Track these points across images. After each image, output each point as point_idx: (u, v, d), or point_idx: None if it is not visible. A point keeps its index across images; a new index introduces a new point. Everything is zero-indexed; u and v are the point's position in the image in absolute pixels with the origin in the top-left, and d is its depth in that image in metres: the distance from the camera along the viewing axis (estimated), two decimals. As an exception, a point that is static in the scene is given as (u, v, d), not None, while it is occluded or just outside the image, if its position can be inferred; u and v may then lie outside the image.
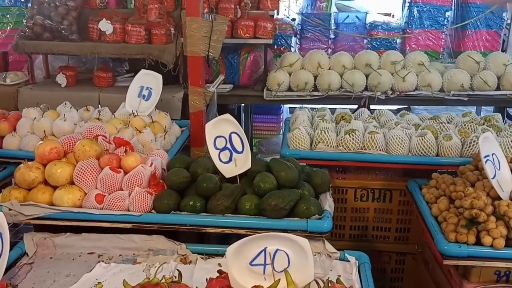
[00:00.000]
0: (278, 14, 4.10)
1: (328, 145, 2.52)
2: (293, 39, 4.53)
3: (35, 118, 2.67)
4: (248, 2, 3.78)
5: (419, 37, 4.46)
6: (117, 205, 2.06)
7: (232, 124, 2.23)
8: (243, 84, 3.93)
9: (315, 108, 3.12)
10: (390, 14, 5.18)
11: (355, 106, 3.73)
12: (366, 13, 4.55)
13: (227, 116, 2.25)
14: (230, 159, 2.21)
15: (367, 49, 4.30)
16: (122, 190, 2.12)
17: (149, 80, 2.86)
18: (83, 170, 2.10)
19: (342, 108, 3.07)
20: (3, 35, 4.20)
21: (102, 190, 2.11)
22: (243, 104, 4.96)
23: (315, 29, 4.41)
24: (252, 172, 2.16)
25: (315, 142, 2.56)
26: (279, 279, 1.54)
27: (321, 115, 2.88)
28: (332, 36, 4.49)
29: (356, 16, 4.43)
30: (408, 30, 4.48)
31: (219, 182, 2.11)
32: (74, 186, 2.11)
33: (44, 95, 3.62)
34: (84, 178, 2.10)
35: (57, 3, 3.63)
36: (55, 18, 3.59)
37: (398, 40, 4.53)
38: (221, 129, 2.23)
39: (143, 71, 2.89)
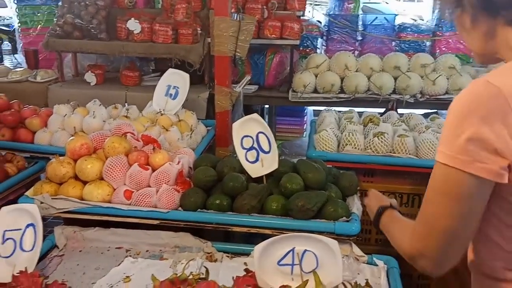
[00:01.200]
0: (304, 15, 4.08)
1: (355, 148, 2.49)
2: (319, 41, 4.50)
3: (66, 114, 2.72)
4: (275, 2, 3.78)
5: (450, 40, 4.37)
6: (144, 201, 2.08)
7: (260, 124, 2.23)
8: (268, 85, 3.93)
9: (341, 111, 3.10)
10: (419, 16, 5.11)
11: (382, 109, 3.70)
12: (395, 15, 4.49)
13: (255, 116, 2.26)
14: (257, 159, 2.21)
15: (396, 52, 4.25)
16: (149, 187, 2.14)
17: (176, 79, 2.89)
18: (112, 166, 2.13)
19: (370, 111, 3.04)
20: (33, 33, 4.31)
21: (131, 186, 2.13)
22: (266, 106, 4.96)
23: (342, 31, 4.37)
24: (278, 173, 2.16)
25: (343, 144, 2.54)
26: (307, 280, 1.53)
27: (348, 117, 2.86)
28: (360, 38, 4.44)
29: (385, 17, 4.37)
30: (438, 33, 4.40)
31: (245, 181, 2.11)
32: (104, 182, 2.14)
33: (73, 93, 3.70)
34: (113, 174, 2.13)
35: (87, 2, 3.70)
36: (85, 17, 3.67)
37: (428, 43, 4.45)
38: (248, 129, 2.23)
39: (170, 70, 2.92)
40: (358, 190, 2.18)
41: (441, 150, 1.02)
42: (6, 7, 16.31)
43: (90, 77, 3.77)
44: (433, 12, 4.55)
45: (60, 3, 3.81)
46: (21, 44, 4.41)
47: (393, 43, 4.47)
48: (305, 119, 5.32)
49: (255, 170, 2.19)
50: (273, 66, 3.83)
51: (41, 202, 2.10)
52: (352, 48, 4.45)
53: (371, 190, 1.64)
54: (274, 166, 2.17)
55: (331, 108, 3.12)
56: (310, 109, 5.52)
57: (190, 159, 2.31)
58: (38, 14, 4.21)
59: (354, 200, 2.09)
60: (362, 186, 2.53)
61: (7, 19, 16.14)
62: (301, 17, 4.00)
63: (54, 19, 3.92)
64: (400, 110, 3.57)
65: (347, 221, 1.92)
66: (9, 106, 2.82)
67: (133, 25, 3.55)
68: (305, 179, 2.06)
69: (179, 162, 2.22)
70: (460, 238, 1.04)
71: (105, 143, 2.22)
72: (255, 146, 2.22)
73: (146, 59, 4.23)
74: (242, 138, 2.24)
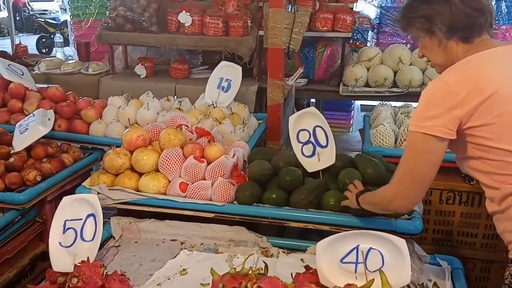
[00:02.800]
0: (355, 7, 3.96)
1: (415, 143, 2.38)
2: (370, 34, 4.37)
3: (120, 106, 2.75)
4: (328, -6, 3.68)
5: (507, 34, 4.14)
6: (200, 194, 2.07)
7: (317, 117, 2.17)
8: (318, 78, 3.84)
9: (397, 105, 2.98)
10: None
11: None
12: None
13: (312, 109, 2.20)
14: (313, 153, 2.15)
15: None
16: (204, 179, 2.13)
17: (228, 71, 2.86)
18: (168, 158, 2.12)
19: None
20: (85, 26, 4.39)
21: (186, 178, 2.12)
22: (313, 100, 4.87)
23: (394, 23, 4.22)
24: (336, 168, 2.09)
25: (400, 140, 2.43)
26: (373, 279, 1.46)
27: (405, 111, 2.74)
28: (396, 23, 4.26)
29: (439, 9, 4.17)
30: (494, 26, 4.17)
31: (302, 176, 2.06)
32: (159, 174, 2.14)
33: (124, 85, 3.75)
34: (168, 166, 2.12)
35: (139, -5, 3.73)
36: (136, 10, 3.70)
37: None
38: (305, 122, 2.18)
39: (223, 62, 2.89)
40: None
41: (412, 123, 1.46)
42: (53, 0, 16.66)
43: (140, 70, 3.81)
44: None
45: (112, -4, 3.86)
46: (73, 36, 4.51)
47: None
48: (352, 114, 5.20)
49: (312, 165, 2.13)
50: (323, 59, 3.74)
51: (98, 193, 2.12)
52: (405, 41, 4.29)
53: (357, 180, 1.87)
54: (331, 160, 2.10)
55: (386, 102, 3.00)
56: (358, 104, 5.39)
57: (244, 152, 2.27)
58: (90, 7, 4.29)
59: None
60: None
61: (54, 13, 16.57)
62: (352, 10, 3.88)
63: (106, 12, 3.97)
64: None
65: (409, 219, 1.83)
66: (65, 97, 2.88)
67: (184, 17, 3.55)
68: (364, 175, 1.98)
69: (234, 155, 2.19)
70: (426, 179, 1.49)
71: (160, 135, 2.22)
72: (311, 140, 2.16)
73: (195, 52, 4.24)
74: (298, 132, 2.18)
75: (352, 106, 5.17)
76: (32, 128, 2.34)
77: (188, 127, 2.38)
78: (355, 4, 3.90)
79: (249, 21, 3.62)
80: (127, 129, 2.27)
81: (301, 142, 2.17)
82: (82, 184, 2.20)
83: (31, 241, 2.19)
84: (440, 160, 1.47)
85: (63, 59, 4.28)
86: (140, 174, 2.16)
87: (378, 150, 2.40)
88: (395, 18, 1.69)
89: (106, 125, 2.70)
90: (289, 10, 2.83)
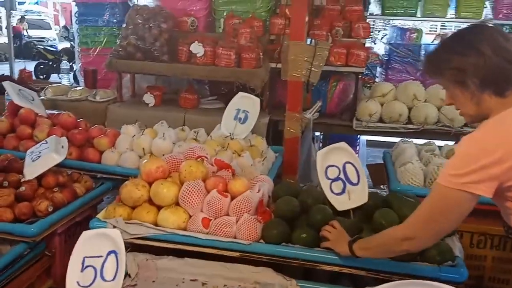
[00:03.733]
0: (365, 42, 3.96)
1: (444, 183, 2.29)
2: (378, 69, 4.37)
3: (134, 135, 2.64)
4: (340, 29, 3.68)
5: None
6: (223, 231, 1.94)
7: (347, 153, 2.09)
8: (329, 112, 3.79)
9: (419, 143, 2.91)
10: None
11: (451, 142, 3.49)
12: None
13: (342, 144, 2.12)
14: (343, 191, 2.06)
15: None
16: (228, 215, 2.01)
17: (246, 103, 2.79)
18: (189, 191, 2.01)
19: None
20: (93, 53, 4.33)
21: (208, 214, 2.00)
22: (317, 133, 4.81)
23: (403, 60, 4.23)
24: (368, 207, 1.99)
25: (430, 179, 2.35)
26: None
27: (429, 149, 2.68)
28: (421, 68, 4.27)
29: (449, 48, 4.20)
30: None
31: (333, 215, 1.95)
32: (179, 208, 2.02)
33: (131, 113, 3.65)
34: (190, 199, 2.00)
35: (151, 25, 3.69)
36: (148, 39, 3.65)
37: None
38: (334, 158, 2.10)
39: (240, 93, 2.82)
40: (456, 230, 1.98)
41: (444, 177, 1.41)
42: (50, 29, 16.96)
43: (148, 98, 3.72)
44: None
45: (124, 25, 3.81)
46: (80, 63, 4.44)
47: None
48: (357, 149, 5.14)
49: (342, 203, 2.03)
50: (336, 94, 3.70)
51: (114, 226, 1.98)
52: (414, 78, 4.29)
53: (335, 221, 1.85)
54: (364, 199, 2.01)
55: (407, 139, 2.93)
56: (363, 139, 5.34)
57: (270, 187, 2.17)
58: (99, 36, 4.24)
59: (453, 241, 1.89)
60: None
61: (51, 40, 16.70)
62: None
63: (117, 41, 3.92)
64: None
65: (453, 265, 1.72)
66: (77, 124, 2.77)
67: (197, 48, 3.51)
68: (401, 216, 1.88)
69: (259, 190, 2.08)
70: (444, 232, 1.53)
71: (181, 167, 2.11)
72: (341, 177, 2.07)
73: (202, 82, 4.18)
74: (327, 168, 2.09)
75: (358, 140, 5.12)
76: (45, 156, 2.22)
77: (207, 159, 2.28)
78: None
79: (261, 53, 3.58)
80: (145, 160, 2.16)
81: (330, 179, 2.08)
82: (97, 216, 2.06)
83: (39, 276, 2.03)
84: (464, 217, 1.43)
85: (70, 86, 4.18)
86: (159, 208, 2.04)
87: (407, 189, 2.31)
88: (422, 63, 1.64)
89: (120, 154, 2.59)
90: (309, 43, 2.78)
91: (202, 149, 2.32)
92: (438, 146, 2.82)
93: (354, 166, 2.06)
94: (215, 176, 2.11)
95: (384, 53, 4.41)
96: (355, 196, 2.03)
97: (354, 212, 2.01)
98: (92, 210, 2.41)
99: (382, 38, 4.74)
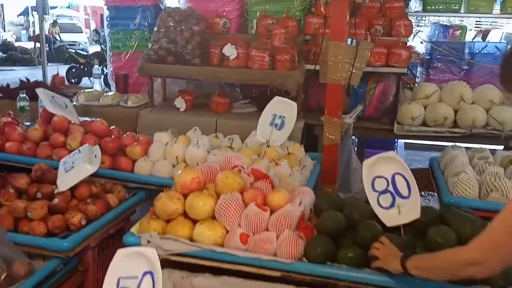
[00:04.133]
0: (407, 41, 3.75)
1: (503, 195, 2.10)
2: (419, 69, 4.14)
3: (168, 143, 2.55)
4: (380, 28, 3.49)
5: None
6: (263, 247, 1.82)
7: (397, 163, 1.93)
8: (368, 115, 3.60)
9: (469, 148, 2.71)
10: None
11: (500, 147, 3.26)
12: (507, 43, 4.06)
13: (391, 154, 1.96)
14: (392, 205, 1.89)
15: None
16: (267, 230, 1.88)
17: (282, 107, 2.65)
18: (226, 205, 1.89)
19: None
20: (124, 58, 4.27)
21: (246, 229, 1.88)
22: (353, 136, 4.62)
23: (446, 59, 4.00)
24: (421, 223, 1.82)
25: (486, 190, 2.15)
26: None
27: (483, 156, 2.47)
28: (465, 67, 4.03)
29: (496, 46, 3.95)
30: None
31: (382, 232, 1.79)
32: (216, 222, 1.90)
33: (163, 118, 3.57)
34: (227, 213, 1.88)
35: (182, 28, 3.60)
36: (180, 42, 3.56)
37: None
38: (381, 169, 1.94)
39: (276, 98, 2.69)
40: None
41: None
42: (82, 32, 17.33)
43: (180, 103, 3.64)
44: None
45: (155, 28, 3.73)
46: (111, 68, 4.40)
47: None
48: (395, 153, 4.92)
49: (391, 218, 1.87)
50: (375, 96, 3.51)
51: (148, 241, 1.89)
52: (457, 78, 4.04)
53: (384, 237, 1.70)
54: (416, 214, 1.84)
55: (455, 143, 2.73)
56: (401, 142, 5.11)
57: (311, 200, 2.02)
58: (131, 39, 4.17)
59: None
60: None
61: (82, 44, 17.05)
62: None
63: (148, 44, 3.84)
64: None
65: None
66: (109, 132, 2.69)
67: (229, 50, 3.39)
68: (459, 234, 1.71)
69: (300, 203, 1.94)
70: None
71: (217, 178, 2.00)
72: (390, 190, 1.91)
73: (233, 86, 4.07)
74: (374, 179, 1.93)
75: (396, 144, 4.90)
76: (78, 166, 2.14)
77: (244, 169, 2.16)
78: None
79: (296, 55, 3.43)
80: (179, 170, 2.06)
81: (377, 191, 1.92)
82: (131, 230, 1.97)
83: (72, 292, 1.96)
84: None
85: (102, 91, 4.14)
86: (194, 221, 1.93)
87: (460, 201, 2.13)
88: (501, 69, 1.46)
89: (152, 163, 2.49)
90: (350, 43, 2.62)
91: (238, 158, 2.20)
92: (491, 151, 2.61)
93: (404, 177, 1.89)
94: (253, 188, 1.98)
95: (425, 51, 4.18)
96: (406, 211, 1.86)
97: (404, 229, 1.85)
98: (125, 222, 2.32)
99: (414, 36, 4.50)
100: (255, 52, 3.39)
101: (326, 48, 2.59)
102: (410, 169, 3.34)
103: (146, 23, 4.16)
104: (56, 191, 2.12)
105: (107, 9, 4.34)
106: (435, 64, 4.06)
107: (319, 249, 1.77)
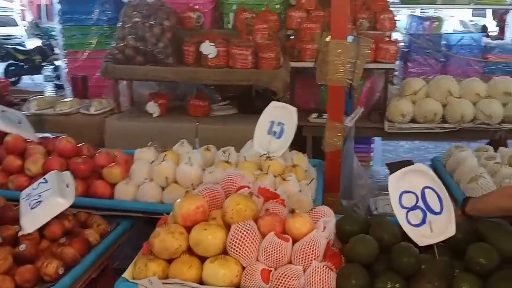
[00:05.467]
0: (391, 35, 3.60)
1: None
2: (397, 63, 4.02)
3: (153, 161, 2.21)
4: (366, 22, 3.31)
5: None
6: (289, 284, 1.56)
7: (426, 176, 1.75)
8: (356, 113, 3.42)
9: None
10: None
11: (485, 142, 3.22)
12: (482, 34, 4.03)
13: (420, 166, 1.77)
14: (423, 221, 1.71)
15: (483, 74, 3.82)
16: (291, 263, 1.63)
17: (280, 113, 2.39)
18: (241, 236, 1.61)
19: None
20: (82, 57, 3.82)
21: (266, 263, 1.62)
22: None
23: (424, 52, 3.90)
24: (456, 241, 1.65)
25: (506, 195, 2.01)
26: None
27: (489, 156, 2.35)
28: (443, 59, 3.96)
29: (472, 37, 3.90)
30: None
31: (419, 255, 1.60)
32: (229, 258, 1.62)
33: (134, 126, 3.22)
34: (242, 247, 1.61)
35: (151, 23, 3.22)
36: (149, 40, 3.19)
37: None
38: (410, 183, 1.74)
39: (274, 103, 2.42)
40: None
41: None
42: (17, 25, 15.78)
43: (152, 108, 3.28)
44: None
45: (119, 24, 3.32)
46: (66, 70, 3.93)
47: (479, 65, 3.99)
48: (372, 146, 4.82)
49: (423, 237, 1.68)
50: (363, 93, 3.35)
51: (148, 289, 1.58)
52: (434, 71, 3.98)
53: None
54: (450, 231, 1.66)
55: (460, 143, 2.61)
56: (378, 135, 5.01)
57: (334, 222, 1.79)
58: (88, 36, 3.72)
59: None
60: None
61: (19, 38, 15.63)
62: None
63: (110, 42, 3.44)
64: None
65: None
66: (78, 150, 2.30)
67: (208, 48, 3.08)
68: (500, 250, 1.55)
69: (324, 228, 1.70)
70: None
71: (227, 205, 1.71)
72: (420, 205, 1.72)
73: (209, 86, 3.75)
74: (401, 194, 1.74)
75: (373, 137, 4.79)
76: (47, 201, 1.76)
77: (250, 188, 1.89)
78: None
79: (280, 52, 3.18)
80: (178, 199, 1.74)
81: (406, 208, 1.73)
82: (123, 275, 1.64)
83: None
84: None
85: (56, 96, 3.68)
86: (202, 259, 1.64)
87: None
88: None
89: (137, 186, 2.15)
90: (351, 41, 2.40)
91: (243, 178, 1.93)
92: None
93: (435, 191, 1.71)
94: (270, 215, 1.71)
95: (403, 44, 4.07)
96: (439, 228, 1.68)
97: (438, 248, 1.66)
98: (109, 259, 1.98)
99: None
100: (236, 50, 3.10)
101: (326, 47, 2.36)
102: (393, 162, 3.22)
103: (105, 18, 3.73)
104: (20, 233, 1.73)
105: (59, 2, 3.85)
106: (413, 57, 3.96)
107: (354, 281, 1.55)
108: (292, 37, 3.45)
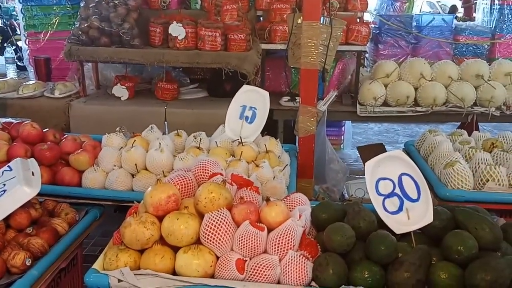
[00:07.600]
0: (363, 16, 3.57)
1: (499, 184, 1.99)
2: (368, 44, 4.00)
3: (122, 147, 2.12)
4: (336, 3, 3.25)
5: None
6: (264, 274, 1.53)
7: (403, 162, 1.72)
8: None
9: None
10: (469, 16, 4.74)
11: (457, 124, 3.26)
12: (454, 15, 4.05)
13: (398, 152, 1.74)
14: (400, 209, 1.70)
15: (454, 56, 3.85)
16: (266, 253, 1.60)
17: (252, 98, 2.32)
18: (215, 226, 1.57)
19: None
20: (44, 38, 3.63)
21: (241, 253, 1.58)
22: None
23: (395, 33, 3.89)
24: (434, 228, 1.64)
25: (481, 180, 2.03)
26: None
27: (464, 141, 2.36)
28: (413, 41, 3.96)
29: (443, 18, 3.91)
30: (498, 35, 3.99)
31: (397, 243, 1.59)
32: (203, 248, 1.58)
33: (101, 110, 3.10)
34: (216, 236, 1.57)
35: (116, 2, 3.08)
36: (114, 20, 3.05)
37: (485, 46, 4.03)
38: (386, 170, 1.72)
39: (245, 87, 2.35)
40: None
41: None
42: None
43: (119, 91, 3.16)
44: (491, 13, 4.12)
45: (82, 4, 3.16)
46: (28, 51, 3.72)
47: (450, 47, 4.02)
48: (343, 130, 4.84)
49: (400, 224, 1.67)
50: (334, 76, 3.31)
51: (119, 280, 1.52)
52: (405, 53, 3.98)
53: None
54: (428, 219, 1.65)
55: (434, 127, 2.62)
56: (348, 118, 5.02)
57: (309, 210, 1.76)
58: (50, 16, 3.52)
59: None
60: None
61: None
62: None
63: (73, 23, 3.27)
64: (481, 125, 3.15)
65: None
66: (43, 136, 2.19)
67: (176, 29, 2.96)
68: (478, 238, 1.55)
69: (300, 216, 1.67)
70: None
71: (199, 194, 1.65)
72: (397, 192, 1.71)
73: (177, 68, 3.64)
74: (378, 181, 1.72)
75: (343, 121, 4.80)
76: (13, 190, 1.67)
77: (223, 176, 1.84)
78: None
79: (250, 34, 3.10)
80: (149, 188, 1.67)
81: (382, 195, 1.71)
82: (93, 267, 1.57)
83: None
84: None
85: (19, 79, 3.49)
86: (175, 249, 1.59)
87: (457, 194, 1.99)
88: None
89: (105, 173, 2.07)
90: (323, 22, 2.35)
91: (215, 164, 1.87)
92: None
93: (412, 178, 1.70)
94: (244, 203, 1.67)
95: (374, 26, 4.04)
96: (416, 215, 1.67)
97: (415, 236, 1.66)
98: (77, 249, 1.90)
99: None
100: (205, 31, 3.00)
101: (298, 29, 2.30)
102: (365, 145, 3.22)
103: (67, -3, 3.55)
104: (-17, 225, 1.64)
105: (19, -20, 3.62)
106: (384, 39, 3.95)
107: (330, 270, 1.53)
108: (262, 18, 3.36)
